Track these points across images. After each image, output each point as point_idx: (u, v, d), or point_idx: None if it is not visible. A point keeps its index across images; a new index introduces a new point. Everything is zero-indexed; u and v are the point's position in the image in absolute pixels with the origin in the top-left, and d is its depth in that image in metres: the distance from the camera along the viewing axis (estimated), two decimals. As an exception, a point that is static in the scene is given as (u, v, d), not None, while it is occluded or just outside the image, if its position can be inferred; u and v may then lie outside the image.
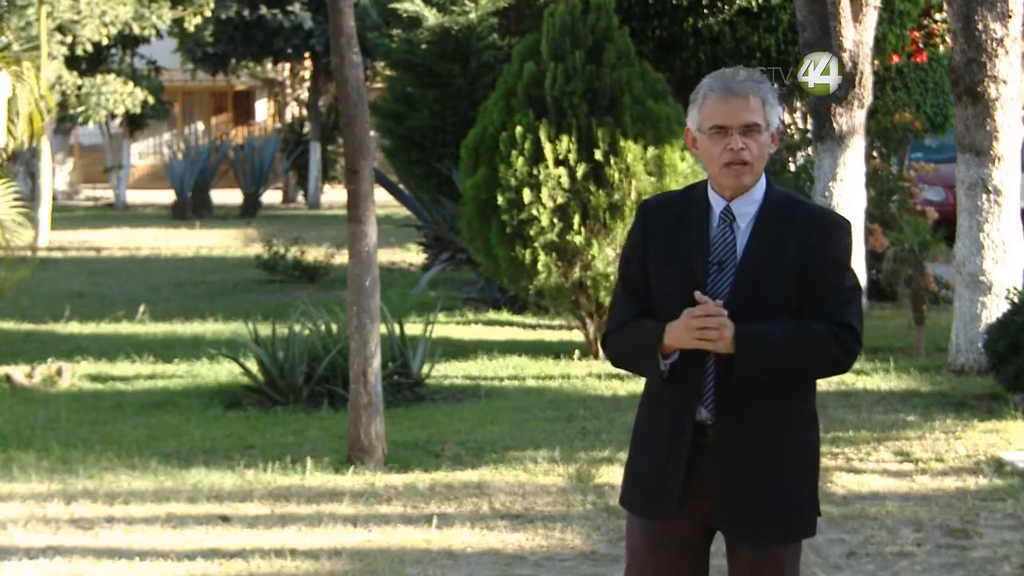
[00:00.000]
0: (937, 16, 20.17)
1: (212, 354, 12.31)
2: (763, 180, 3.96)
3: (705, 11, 17.47)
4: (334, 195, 36.44)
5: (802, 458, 3.98)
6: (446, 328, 13.51)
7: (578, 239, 11.80)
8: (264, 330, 11.25)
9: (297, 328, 10.73)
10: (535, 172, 11.81)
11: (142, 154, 44.32)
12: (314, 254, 18.98)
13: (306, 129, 36.35)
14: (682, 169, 11.89)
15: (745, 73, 3.94)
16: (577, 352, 12.34)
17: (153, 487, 8.03)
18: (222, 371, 11.76)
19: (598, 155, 11.78)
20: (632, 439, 4.11)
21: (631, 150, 11.75)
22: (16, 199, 13.40)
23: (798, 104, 20.04)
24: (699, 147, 3.97)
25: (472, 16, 19.65)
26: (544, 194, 11.76)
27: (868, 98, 14.46)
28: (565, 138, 11.83)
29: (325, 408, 10.31)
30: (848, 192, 14.31)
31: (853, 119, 14.34)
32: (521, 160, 11.81)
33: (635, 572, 4.09)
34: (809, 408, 4.01)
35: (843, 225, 3.99)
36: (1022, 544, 6.77)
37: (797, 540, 4.02)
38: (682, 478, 3.92)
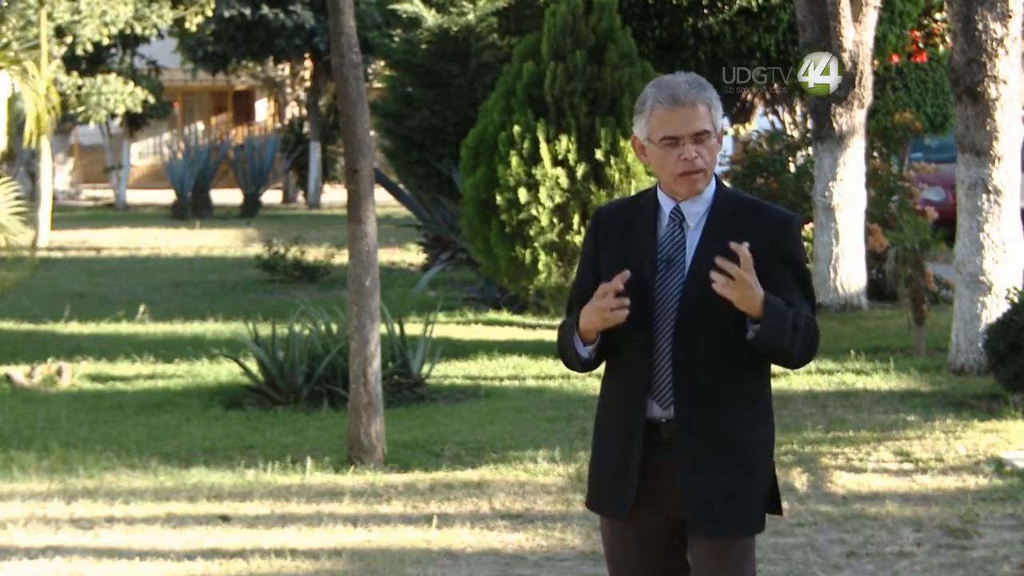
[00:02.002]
0: (937, 16, 20.17)
1: (212, 354, 12.31)
2: (713, 181, 4.03)
3: (705, 11, 17.48)
4: (334, 195, 36.43)
5: (754, 453, 4.03)
6: (446, 328, 13.50)
7: (578, 239, 11.80)
8: (264, 330, 11.25)
9: (297, 328, 10.73)
10: (533, 172, 11.81)
11: (142, 154, 44.31)
12: (314, 254, 18.98)
13: (306, 129, 36.35)
14: (682, 169, 11.88)
15: (688, 79, 3.98)
16: (577, 352, 12.31)
17: (153, 487, 8.03)
18: (222, 371, 11.76)
19: (599, 155, 11.78)
20: (593, 437, 4.19)
21: (632, 150, 11.75)
22: (16, 199, 13.40)
23: (798, 104, 20.04)
24: (649, 156, 4.02)
25: (471, 16, 19.66)
26: (543, 194, 11.76)
27: (868, 98, 14.47)
28: (564, 138, 11.83)
29: (325, 408, 10.31)
30: (848, 192, 14.33)
31: (853, 119, 14.36)
32: (518, 160, 11.81)
33: (611, 569, 4.17)
34: (763, 403, 4.07)
35: (793, 221, 4.06)
36: (1022, 544, 6.77)
37: (746, 535, 4.06)
38: (636, 479, 3.99)
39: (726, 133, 21.57)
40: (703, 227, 3.99)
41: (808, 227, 15.18)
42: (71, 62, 28.73)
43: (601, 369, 4.16)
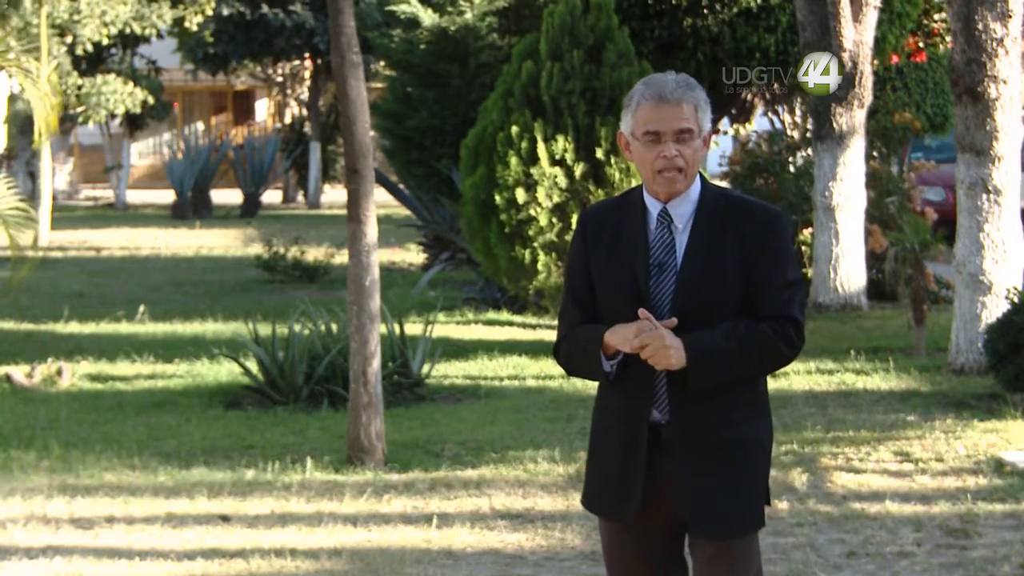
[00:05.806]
0: (937, 16, 20.17)
1: (212, 354, 12.31)
2: (697, 181, 4.02)
3: (704, 11, 17.47)
4: (334, 195, 36.44)
5: (753, 451, 4.04)
6: (446, 328, 13.50)
7: (578, 239, 11.80)
8: (264, 330, 11.25)
9: (297, 328, 10.74)
10: (531, 172, 11.81)
11: (142, 154, 44.32)
12: (314, 254, 18.98)
13: (306, 129, 36.35)
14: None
15: (677, 79, 3.98)
16: (577, 352, 12.31)
17: (153, 487, 8.03)
18: (222, 371, 11.76)
19: (599, 154, 11.77)
20: (590, 442, 4.17)
21: (631, 150, 11.75)
22: (16, 197, 13.40)
23: (798, 104, 20.03)
24: (632, 152, 4.02)
25: (468, 16, 19.65)
26: (541, 194, 11.76)
27: (868, 98, 14.47)
28: (562, 138, 11.82)
29: (325, 408, 10.31)
30: (848, 192, 14.33)
31: (853, 119, 14.36)
32: (516, 160, 11.80)
33: (609, 570, 4.16)
34: (759, 401, 4.07)
35: (779, 217, 4.05)
36: (1022, 544, 6.78)
37: (750, 532, 4.06)
38: (642, 481, 3.98)
39: (723, 133, 21.56)
40: (691, 228, 3.98)
41: (807, 231, 15.19)
42: (72, 62, 28.73)
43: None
